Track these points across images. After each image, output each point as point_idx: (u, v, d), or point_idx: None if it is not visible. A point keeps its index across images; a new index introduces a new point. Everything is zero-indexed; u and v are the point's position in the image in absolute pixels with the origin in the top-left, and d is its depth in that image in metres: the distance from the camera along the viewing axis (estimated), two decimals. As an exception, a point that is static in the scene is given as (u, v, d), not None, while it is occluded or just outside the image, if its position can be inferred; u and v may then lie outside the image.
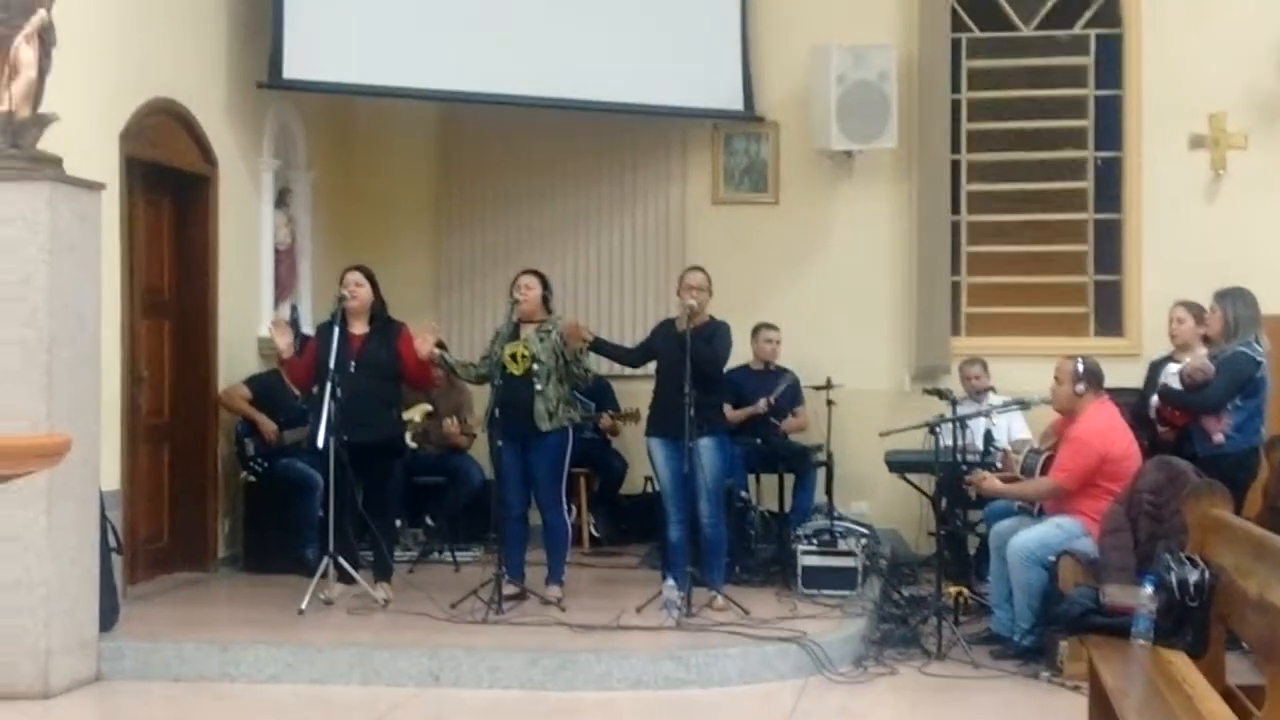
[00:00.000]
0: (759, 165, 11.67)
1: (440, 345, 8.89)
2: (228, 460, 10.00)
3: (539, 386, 8.50)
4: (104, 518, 7.79)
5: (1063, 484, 8.01)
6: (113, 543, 8.03)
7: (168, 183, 9.61)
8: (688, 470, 8.33)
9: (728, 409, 9.47)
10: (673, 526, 8.67)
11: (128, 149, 8.83)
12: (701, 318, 8.69)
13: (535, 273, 8.91)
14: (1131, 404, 8.99)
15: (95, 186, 7.64)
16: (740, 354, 9.64)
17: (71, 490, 7.27)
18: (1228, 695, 5.35)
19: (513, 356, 8.56)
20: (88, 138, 8.21)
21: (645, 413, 9.12)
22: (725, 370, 9.00)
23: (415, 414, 10.10)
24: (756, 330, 10.63)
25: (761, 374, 10.54)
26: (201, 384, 9.80)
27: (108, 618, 7.79)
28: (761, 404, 10.11)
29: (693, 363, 8.35)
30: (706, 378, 8.51)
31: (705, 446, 8.49)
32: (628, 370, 9.95)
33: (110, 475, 8.35)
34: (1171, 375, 8.67)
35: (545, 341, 8.60)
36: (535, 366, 8.51)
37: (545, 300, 8.79)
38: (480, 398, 9.82)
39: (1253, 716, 5.04)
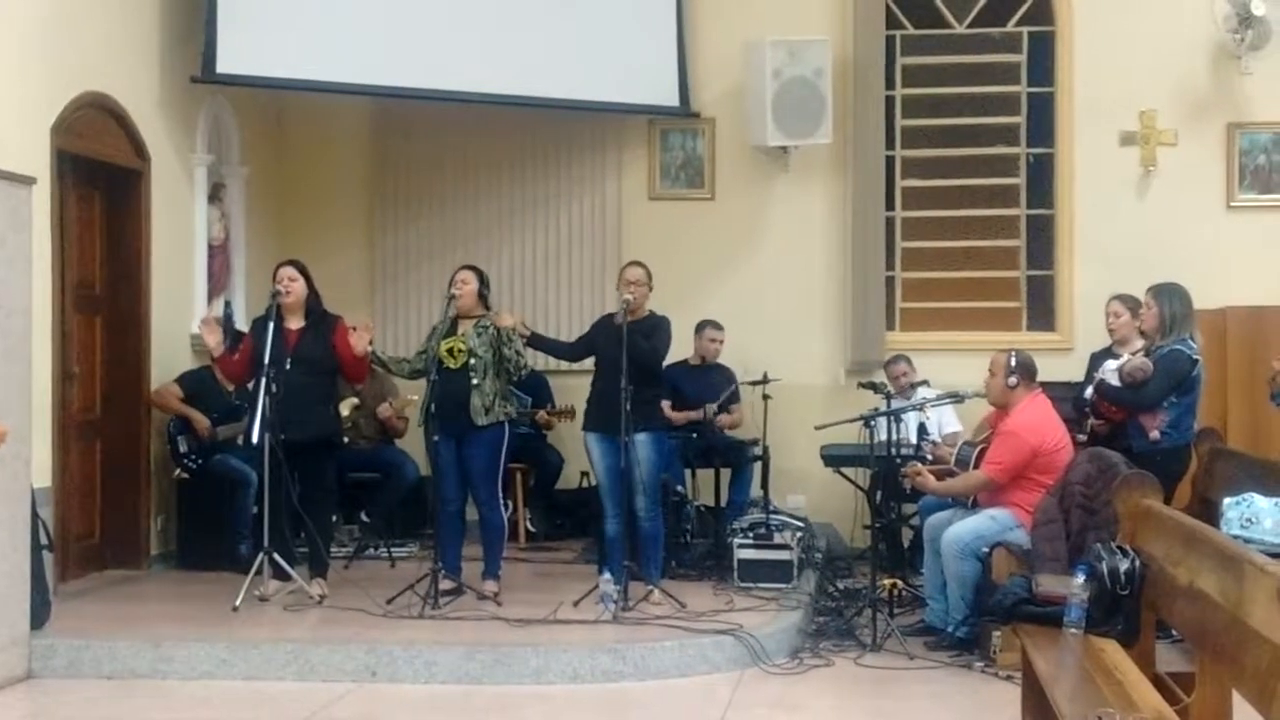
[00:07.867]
0: (695, 161, 11.70)
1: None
2: (160, 457, 9.91)
3: (476, 381, 8.48)
4: (35, 515, 7.71)
5: (994, 477, 8.07)
6: (44, 540, 7.94)
7: (99, 177, 9.52)
8: (624, 465, 8.36)
9: (671, 411, 9.51)
10: (609, 521, 8.69)
11: (59, 143, 8.73)
12: (641, 312, 8.70)
13: (473, 268, 8.90)
14: (1071, 396, 9.09)
15: (26, 181, 7.55)
16: (679, 349, 9.64)
17: (2, 487, 7.19)
18: (1158, 682, 5.42)
19: (450, 351, 8.55)
20: (18, 132, 8.14)
21: (583, 408, 9.08)
22: (664, 365, 9.00)
23: (344, 408, 10.06)
24: (701, 327, 10.60)
25: (699, 369, 10.53)
26: (133, 380, 9.73)
27: (39, 615, 7.70)
28: (705, 410, 10.06)
29: (631, 357, 8.36)
30: (645, 372, 8.52)
31: (641, 441, 8.51)
32: (564, 365, 9.95)
33: (41, 472, 8.25)
34: (1110, 372, 8.74)
35: (482, 336, 8.58)
36: (472, 361, 8.50)
37: (482, 296, 8.77)
38: (405, 384, 9.81)
39: (1182, 703, 5.11)
